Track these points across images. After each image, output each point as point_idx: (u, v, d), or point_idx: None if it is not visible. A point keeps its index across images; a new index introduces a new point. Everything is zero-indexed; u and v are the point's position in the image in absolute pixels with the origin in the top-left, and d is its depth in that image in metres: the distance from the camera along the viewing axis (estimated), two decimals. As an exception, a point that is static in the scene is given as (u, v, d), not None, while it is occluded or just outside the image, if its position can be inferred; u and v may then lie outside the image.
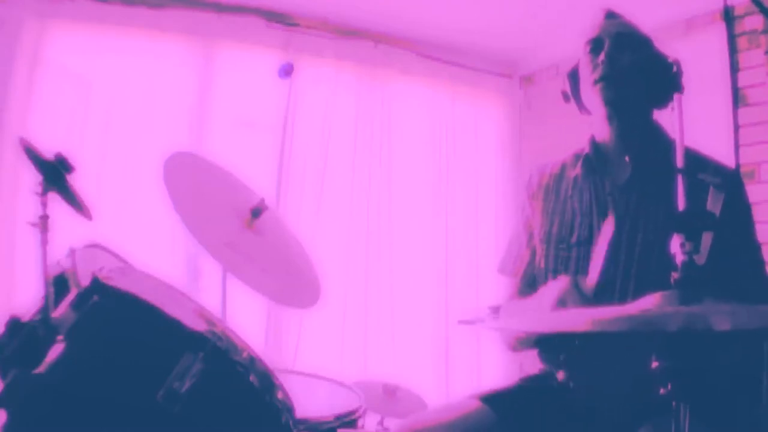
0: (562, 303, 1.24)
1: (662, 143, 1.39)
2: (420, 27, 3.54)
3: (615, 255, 1.33)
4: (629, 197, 1.37)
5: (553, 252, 1.44)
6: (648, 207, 1.34)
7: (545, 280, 1.44)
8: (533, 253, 1.52)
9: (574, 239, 1.41)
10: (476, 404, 1.35)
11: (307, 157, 3.36)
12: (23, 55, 2.83)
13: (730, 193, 1.04)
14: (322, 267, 1.68)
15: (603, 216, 1.38)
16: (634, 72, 1.38)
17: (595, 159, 1.45)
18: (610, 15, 1.47)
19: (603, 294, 1.31)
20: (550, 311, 1.25)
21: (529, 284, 1.53)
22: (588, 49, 1.44)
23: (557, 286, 1.29)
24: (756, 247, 1.33)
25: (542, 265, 1.47)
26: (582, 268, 1.38)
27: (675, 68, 1.40)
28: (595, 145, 1.46)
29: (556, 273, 1.43)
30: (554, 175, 1.53)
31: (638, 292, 1.02)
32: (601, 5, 1.47)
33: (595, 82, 1.40)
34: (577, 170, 1.47)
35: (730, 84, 2.87)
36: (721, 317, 0.79)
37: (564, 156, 1.55)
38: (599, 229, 1.38)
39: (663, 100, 1.42)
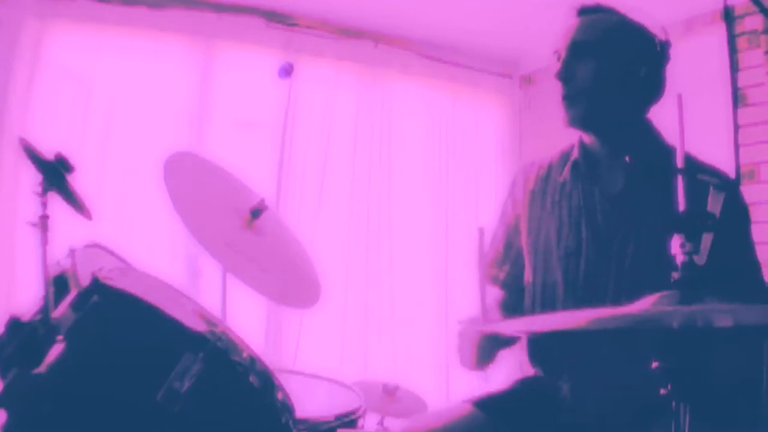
0: None
1: (655, 146, 1.35)
2: (420, 27, 3.54)
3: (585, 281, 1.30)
4: (621, 207, 1.31)
5: (542, 264, 1.39)
6: (640, 216, 1.29)
7: (534, 292, 1.41)
8: (516, 260, 1.49)
9: (561, 250, 1.35)
10: (469, 409, 1.34)
11: (307, 157, 3.36)
12: (23, 55, 2.83)
13: (728, 196, 1.03)
14: (322, 267, 1.68)
15: (593, 225, 1.32)
16: (597, 84, 1.30)
17: (584, 164, 1.38)
18: (582, 12, 1.37)
19: (590, 305, 1.29)
20: None
21: (514, 294, 1.49)
22: (555, 60, 1.37)
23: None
24: (752, 250, 1.30)
25: (530, 277, 1.42)
26: (571, 279, 1.33)
27: (660, 59, 1.33)
28: (583, 148, 1.40)
29: (544, 286, 1.38)
30: (540, 179, 1.46)
31: (632, 300, 1.02)
32: (597, 3, 1.39)
33: (561, 99, 1.34)
34: (565, 174, 1.41)
35: (730, 84, 2.87)
36: (722, 315, 0.79)
37: (551, 154, 1.48)
38: (589, 239, 1.32)
39: (648, 99, 1.35)
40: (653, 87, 1.35)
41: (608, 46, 1.31)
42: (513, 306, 1.50)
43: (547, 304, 1.37)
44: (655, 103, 1.37)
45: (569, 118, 1.34)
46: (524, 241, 1.46)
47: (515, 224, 1.50)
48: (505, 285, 1.51)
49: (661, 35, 1.35)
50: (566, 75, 1.32)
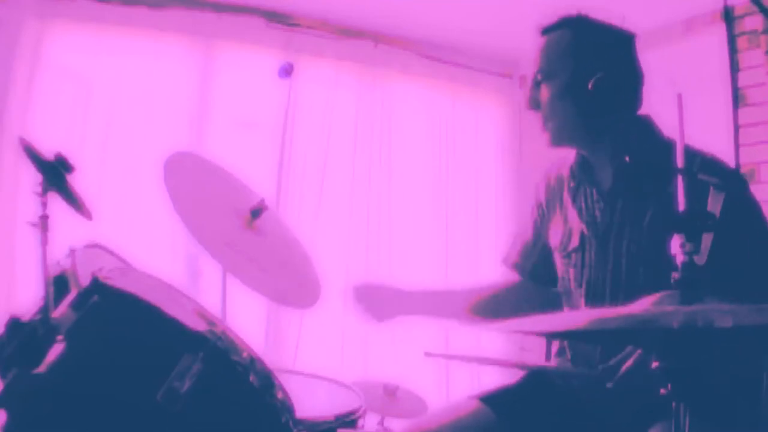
0: None
1: (648, 141, 1.37)
2: (420, 27, 3.54)
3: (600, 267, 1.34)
4: (614, 202, 1.36)
5: (559, 261, 1.46)
6: (634, 209, 1.32)
7: (560, 287, 1.47)
8: (546, 256, 1.53)
9: (570, 247, 1.42)
10: (475, 405, 1.35)
11: (307, 157, 3.36)
12: (23, 55, 2.83)
13: (733, 192, 1.01)
14: (322, 267, 1.68)
15: (592, 223, 1.38)
16: (559, 106, 1.35)
17: (579, 170, 1.44)
18: (544, 32, 1.41)
19: (593, 301, 1.32)
20: None
21: (541, 281, 1.56)
22: None
23: None
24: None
25: (557, 272, 1.49)
26: (578, 275, 1.39)
27: (621, 55, 1.35)
28: (580, 155, 1.45)
29: (564, 281, 1.44)
30: (556, 183, 1.53)
31: (629, 296, 1.02)
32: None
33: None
34: (571, 179, 1.47)
35: (730, 84, 2.87)
36: (722, 315, 0.79)
37: (567, 158, 1.53)
38: (590, 236, 1.38)
39: (622, 98, 1.37)
40: (622, 84, 1.36)
41: (557, 68, 1.36)
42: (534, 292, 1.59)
43: (568, 300, 1.44)
44: (636, 96, 1.38)
45: (549, 141, 1.42)
46: (552, 241, 1.51)
47: (541, 224, 1.56)
48: (530, 275, 1.58)
49: (623, 27, 1.38)
50: (532, 104, 1.40)
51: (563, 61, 1.36)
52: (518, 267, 1.60)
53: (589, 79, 1.32)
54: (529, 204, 1.62)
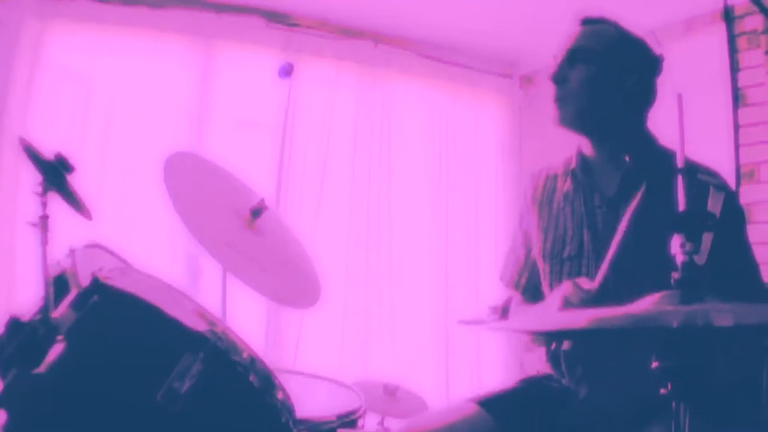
0: (567, 304, 1.24)
1: (651, 150, 1.38)
2: (420, 27, 3.54)
3: (618, 262, 1.32)
4: (618, 209, 1.34)
5: (549, 267, 1.43)
6: (637, 216, 1.30)
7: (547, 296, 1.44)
8: (534, 267, 1.51)
9: (565, 254, 1.40)
10: (473, 408, 1.34)
11: (307, 157, 3.36)
12: (23, 55, 2.83)
13: (726, 199, 1.03)
14: (322, 267, 1.68)
15: (593, 229, 1.37)
16: (587, 88, 1.35)
17: (582, 173, 1.43)
18: (585, 21, 1.42)
19: (601, 301, 1.31)
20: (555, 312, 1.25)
21: (533, 296, 1.53)
22: (554, 64, 1.42)
23: (561, 289, 1.29)
24: (749, 249, 1.32)
25: (544, 281, 1.46)
26: None
27: (651, 71, 1.38)
28: (581, 158, 1.45)
29: (553, 288, 1.42)
30: (547, 188, 1.51)
31: (633, 299, 1.02)
32: (599, 6, 1.42)
33: (553, 100, 1.40)
34: (568, 184, 1.45)
35: (730, 84, 2.87)
36: (722, 314, 0.79)
37: (557, 164, 1.53)
38: (590, 242, 1.36)
39: (638, 106, 1.39)
40: (643, 96, 1.40)
41: (602, 54, 1.36)
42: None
43: None
44: (647, 110, 1.41)
45: (559, 118, 1.40)
46: (535, 248, 1.49)
47: (529, 231, 1.54)
48: (525, 290, 1.55)
49: (656, 49, 1.39)
50: (559, 78, 1.38)
51: (606, 51, 1.36)
52: (515, 283, 1.57)
53: (624, 77, 1.34)
54: (517, 212, 1.60)
